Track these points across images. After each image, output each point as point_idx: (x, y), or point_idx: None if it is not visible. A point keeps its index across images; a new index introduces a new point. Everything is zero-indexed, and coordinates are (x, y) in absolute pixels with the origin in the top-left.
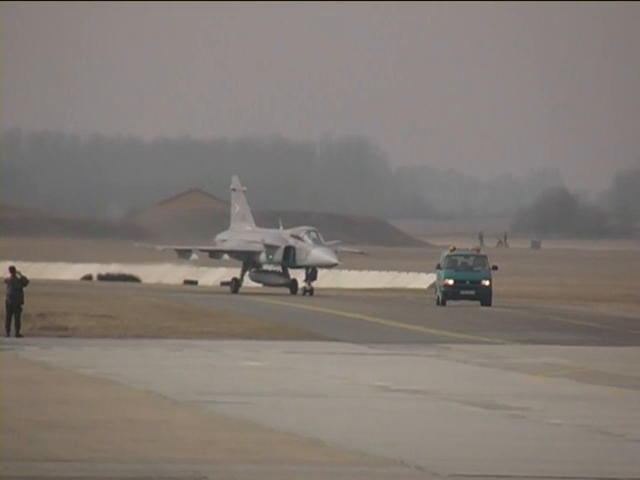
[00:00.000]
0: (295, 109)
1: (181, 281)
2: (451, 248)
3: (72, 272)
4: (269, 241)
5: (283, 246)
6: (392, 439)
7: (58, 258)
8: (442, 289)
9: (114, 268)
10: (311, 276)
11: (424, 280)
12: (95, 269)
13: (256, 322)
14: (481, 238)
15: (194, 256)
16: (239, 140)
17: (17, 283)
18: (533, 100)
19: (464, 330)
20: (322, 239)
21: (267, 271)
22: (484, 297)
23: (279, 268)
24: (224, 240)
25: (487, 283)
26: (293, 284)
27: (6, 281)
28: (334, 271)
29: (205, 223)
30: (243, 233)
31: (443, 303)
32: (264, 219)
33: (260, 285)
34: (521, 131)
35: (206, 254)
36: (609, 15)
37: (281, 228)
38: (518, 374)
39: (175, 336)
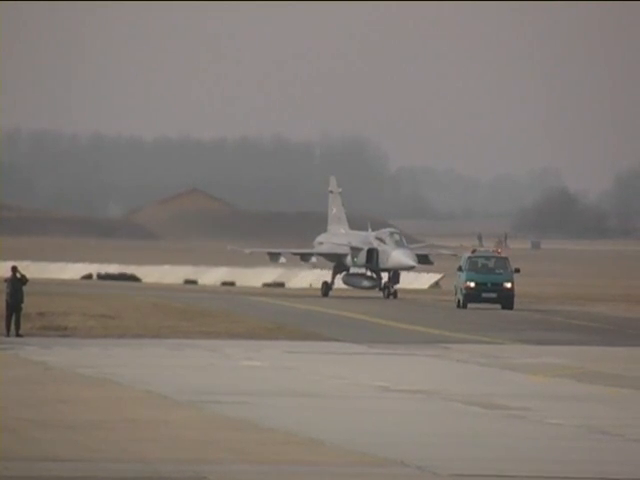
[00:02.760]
0: (295, 109)
1: (181, 281)
2: (472, 250)
3: (72, 271)
4: (355, 244)
5: (366, 248)
6: (392, 439)
7: (58, 257)
8: (463, 291)
9: (114, 268)
10: (393, 279)
11: (425, 280)
12: (95, 268)
13: (256, 322)
14: (480, 238)
15: (282, 259)
16: (239, 140)
17: (17, 282)
18: (533, 100)
19: (464, 330)
20: (405, 241)
21: (355, 274)
22: (506, 300)
23: (368, 271)
24: (321, 243)
25: (509, 286)
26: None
27: (6, 280)
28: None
29: (205, 222)
30: (336, 236)
31: (464, 306)
32: (263, 219)
33: (351, 288)
34: (521, 131)
35: (296, 257)
36: (609, 15)
37: (370, 231)
38: (518, 374)
39: (175, 336)
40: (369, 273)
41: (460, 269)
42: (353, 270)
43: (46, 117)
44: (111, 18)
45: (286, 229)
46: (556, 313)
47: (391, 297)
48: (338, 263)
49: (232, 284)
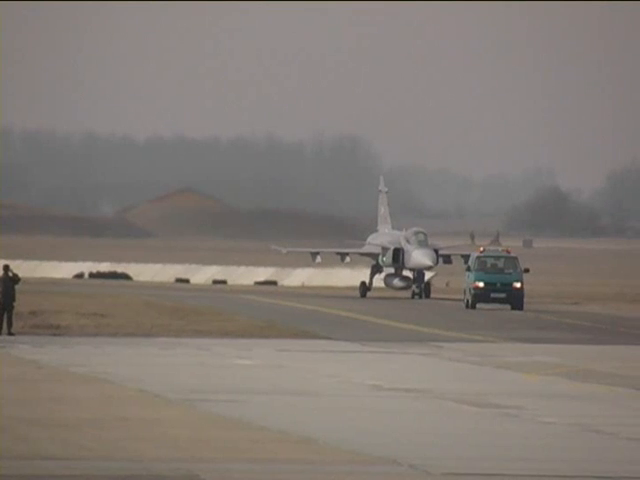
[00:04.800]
0: (287, 108)
1: (173, 279)
2: (480, 249)
3: (64, 270)
4: (385, 244)
5: (392, 248)
6: (385, 438)
7: (50, 256)
8: (472, 292)
9: (106, 266)
10: (418, 279)
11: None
12: (87, 267)
13: (248, 320)
14: (472, 237)
15: (318, 258)
16: (232, 139)
17: (8, 281)
18: (526, 99)
19: (457, 328)
20: (427, 240)
21: (390, 274)
22: (516, 300)
23: (406, 271)
24: (369, 243)
25: (519, 286)
26: (427, 287)
27: None
28: (326, 269)
29: (197, 221)
30: (381, 235)
31: (473, 306)
32: (256, 217)
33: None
34: (514, 130)
35: (334, 256)
36: (601, 14)
37: (404, 230)
38: (511, 373)
39: (167, 334)
40: (406, 273)
41: (468, 269)
42: (387, 270)
43: (39, 116)
44: (103, 18)
45: (279, 227)
46: (549, 312)
47: (416, 297)
48: (376, 263)
49: (224, 282)
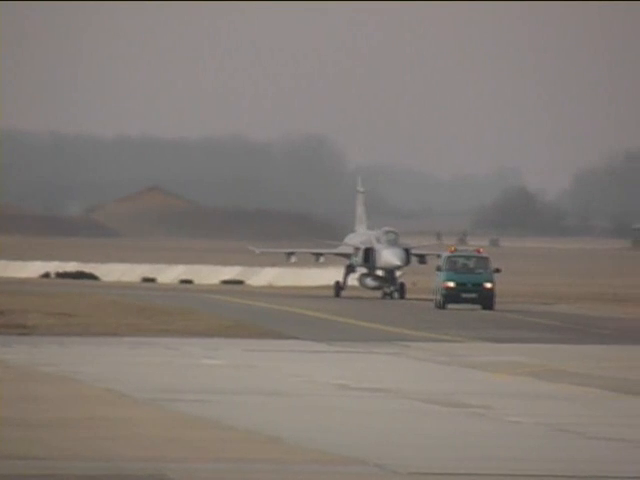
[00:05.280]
0: (255, 108)
1: (139, 279)
2: (451, 249)
3: (30, 270)
4: (357, 244)
5: (363, 248)
6: (352, 437)
7: (17, 256)
8: (442, 292)
9: (73, 266)
10: (389, 279)
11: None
12: (54, 267)
13: (216, 320)
14: (439, 236)
15: (293, 258)
16: (199, 139)
17: None
18: (493, 100)
19: (424, 328)
20: (398, 240)
21: (364, 274)
22: (486, 301)
23: (382, 272)
24: (345, 243)
25: (489, 286)
26: (401, 288)
27: None
28: (294, 269)
29: (165, 220)
30: (356, 235)
31: (443, 306)
32: (223, 217)
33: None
34: (481, 130)
35: (308, 256)
36: (562, 14)
37: (376, 230)
38: (478, 372)
39: (135, 334)
40: (381, 273)
41: (439, 269)
42: (362, 270)
43: (5, 116)
44: (65, 16)
45: (247, 226)
46: (516, 311)
47: (387, 297)
48: (350, 263)
49: (190, 282)
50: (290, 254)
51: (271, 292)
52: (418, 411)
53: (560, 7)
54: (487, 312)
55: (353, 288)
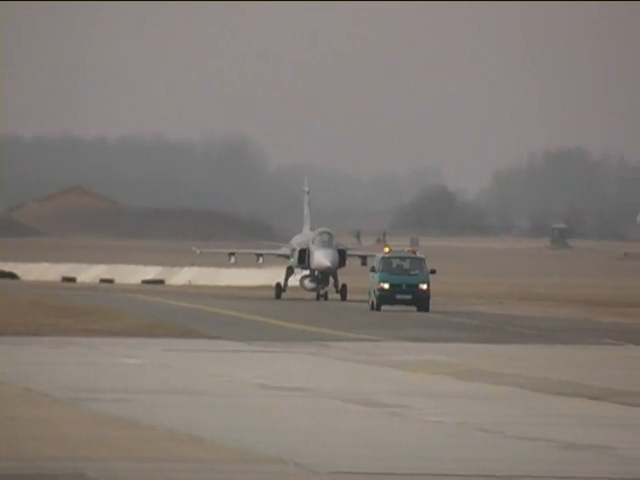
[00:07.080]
0: (175, 108)
1: (60, 278)
2: (387, 250)
3: None
4: (295, 245)
5: (298, 249)
6: (271, 436)
7: None
8: (377, 293)
9: None
10: (323, 280)
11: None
12: None
13: (135, 319)
14: (358, 236)
15: (233, 259)
16: (120, 138)
17: None
18: (413, 100)
19: (344, 327)
20: (332, 241)
21: (306, 275)
22: (421, 302)
23: (321, 273)
24: (290, 244)
25: (425, 287)
26: (343, 289)
27: None
28: (212, 269)
29: (86, 219)
30: (300, 236)
31: (378, 308)
32: (144, 216)
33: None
34: (401, 130)
35: (247, 256)
36: (494, 13)
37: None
38: (397, 371)
39: (55, 333)
40: (318, 275)
41: (373, 270)
42: (304, 272)
43: None
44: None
45: (167, 225)
46: (436, 310)
47: (322, 298)
48: (289, 265)
49: (111, 281)
50: (231, 254)
51: (192, 292)
52: (337, 410)
53: (481, 7)
54: (416, 313)
55: (294, 289)
